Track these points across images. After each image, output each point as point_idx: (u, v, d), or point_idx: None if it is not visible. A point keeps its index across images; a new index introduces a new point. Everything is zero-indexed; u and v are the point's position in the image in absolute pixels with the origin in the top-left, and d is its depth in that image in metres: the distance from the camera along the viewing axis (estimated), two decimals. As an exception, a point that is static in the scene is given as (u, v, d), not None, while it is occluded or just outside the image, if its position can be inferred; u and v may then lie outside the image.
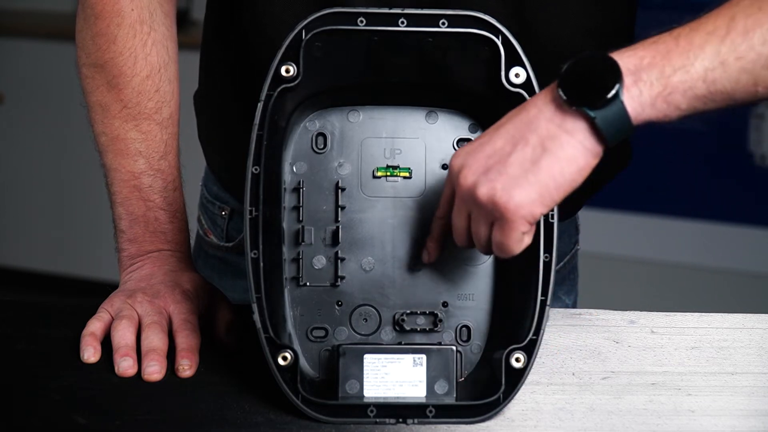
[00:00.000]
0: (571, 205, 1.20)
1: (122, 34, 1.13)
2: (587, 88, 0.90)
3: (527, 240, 0.93)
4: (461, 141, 1.05)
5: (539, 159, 0.90)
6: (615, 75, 0.89)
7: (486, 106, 1.03)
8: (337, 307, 1.03)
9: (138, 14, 1.13)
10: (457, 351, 1.00)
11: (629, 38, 1.21)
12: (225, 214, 1.30)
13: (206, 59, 1.28)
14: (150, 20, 1.14)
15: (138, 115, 1.15)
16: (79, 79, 1.17)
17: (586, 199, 1.27)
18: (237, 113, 1.23)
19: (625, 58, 0.90)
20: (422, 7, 1.00)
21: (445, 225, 1.00)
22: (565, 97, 0.90)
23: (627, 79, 0.90)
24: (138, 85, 1.14)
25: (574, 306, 1.37)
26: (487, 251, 0.95)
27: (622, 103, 0.89)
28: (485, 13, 0.99)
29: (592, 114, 0.89)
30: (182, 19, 3.42)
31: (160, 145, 1.16)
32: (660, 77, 0.89)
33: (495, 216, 0.92)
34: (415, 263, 1.04)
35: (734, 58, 0.89)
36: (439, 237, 1.01)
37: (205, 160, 1.34)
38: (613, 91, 0.89)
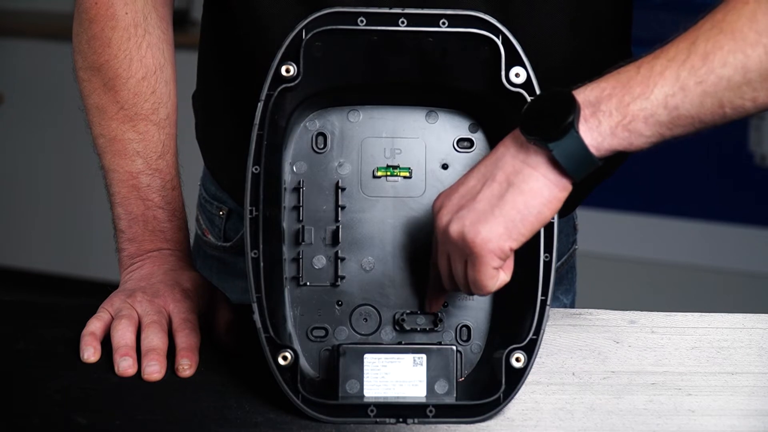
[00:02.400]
0: (565, 202, 1.20)
1: (116, 37, 1.14)
2: (543, 122, 0.91)
3: (503, 276, 0.95)
4: (461, 141, 1.05)
5: (504, 194, 0.92)
6: (569, 106, 0.91)
7: (486, 106, 1.03)
8: (337, 306, 1.03)
9: (132, 18, 1.14)
10: (457, 351, 1.00)
11: (623, 35, 1.21)
12: (223, 214, 1.31)
13: (203, 60, 1.29)
14: (144, 24, 1.15)
15: (135, 116, 1.15)
16: (76, 83, 1.18)
17: (582, 198, 1.27)
18: (233, 114, 1.23)
19: (588, 91, 0.92)
20: (421, 5, 1.00)
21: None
22: (524, 132, 0.92)
23: (586, 110, 0.91)
24: (134, 86, 1.15)
25: (572, 306, 1.37)
26: (468, 290, 0.96)
27: (577, 133, 0.90)
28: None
29: (549, 146, 0.91)
30: (182, 20, 3.42)
31: (157, 145, 1.17)
32: (619, 106, 0.90)
33: (466, 252, 0.94)
34: (415, 263, 1.04)
35: (694, 82, 0.90)
36: (436, 284, 1.02)
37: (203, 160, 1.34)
38: (567, 122, 0.90)
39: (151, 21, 1.16)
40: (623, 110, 0.90)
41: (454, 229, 0.93)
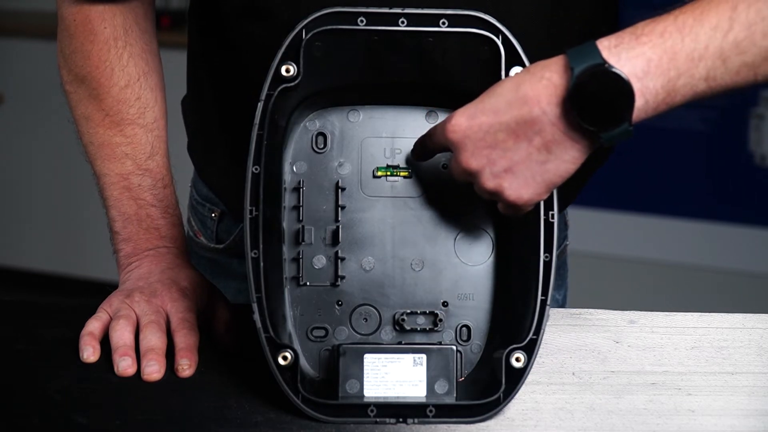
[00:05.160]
0: (561, 199, 1.20)
1: (96, 50, 1.17)
2: (600, 113, 0.90)
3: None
4: (461, 141, 1.05)
5: (545, 162, 0.92)
6: (629, 101, 0.89)
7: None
8: (337, 306, 1.03)
9: (111, 32, 1.17)
10: (457, 351, 1.00)
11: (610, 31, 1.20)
12: (215, 216, 1.31)
13: (191, 66, 1.29)
14: (125, 37, 1.17)
15: (121, 121, 1.17)
16: (65, 98, 1.21)
17: (577, 193, 1.28)
18: (221, 120, 1.23)
19: (633, 59, 0.89)
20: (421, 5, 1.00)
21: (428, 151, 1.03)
22: (577, 117, 0.90)
23: (634, 85, 0.89)
24: (117, 94, 1.17)
25: (564, 301, 1.37)
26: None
27: (631, 126, 0.90)
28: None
29: (601, 135, 0.90)
30: (181, 19, 3.42)
31: (146, 146, 1.18)
32: (666, 84, 0.89)
33: (501, 200, 0.96)
34: (415, 263, 1.04)
35: (736, 53, 0.89)
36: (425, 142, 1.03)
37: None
38: (625, 117, 0.89)
39: (133, 34, 1.18)
40: (670, 87, 0.90)
41: (490, 185, 0.94)
